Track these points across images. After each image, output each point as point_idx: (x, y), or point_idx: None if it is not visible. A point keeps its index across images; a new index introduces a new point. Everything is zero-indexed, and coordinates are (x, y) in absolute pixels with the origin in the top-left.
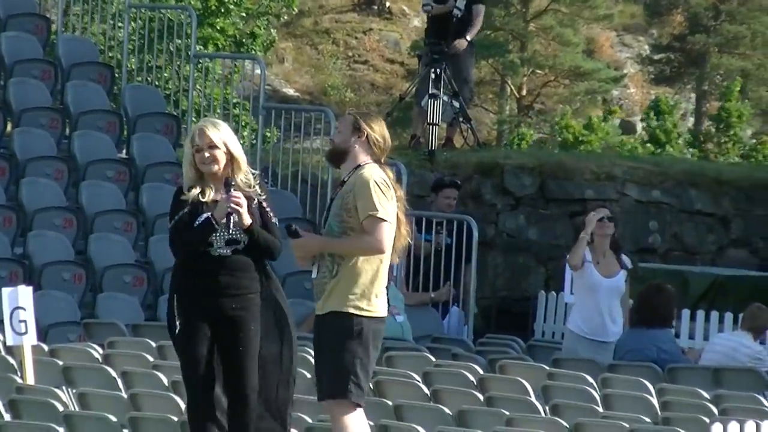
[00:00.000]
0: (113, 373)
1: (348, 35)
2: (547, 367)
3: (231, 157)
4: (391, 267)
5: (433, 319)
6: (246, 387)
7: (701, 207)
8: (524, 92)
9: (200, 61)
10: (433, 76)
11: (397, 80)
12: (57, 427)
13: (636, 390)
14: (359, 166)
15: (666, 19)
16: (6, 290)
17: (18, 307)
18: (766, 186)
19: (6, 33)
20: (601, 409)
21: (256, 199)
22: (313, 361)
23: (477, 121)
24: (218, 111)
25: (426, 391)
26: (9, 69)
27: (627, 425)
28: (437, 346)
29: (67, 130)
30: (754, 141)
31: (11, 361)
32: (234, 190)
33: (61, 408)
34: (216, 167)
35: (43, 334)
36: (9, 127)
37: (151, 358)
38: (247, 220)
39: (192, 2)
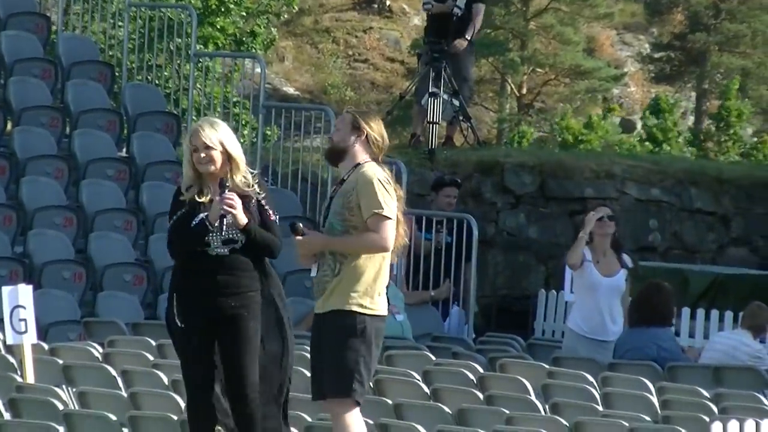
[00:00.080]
0: (113, 372)
1: (348, 34)
2: (547, 366)
3: (229, 157)
4: (390, 266)
5: (433, 317)
6: (246, 386)
7: (701, 205)
8: (524, 91)
9: (200, 59)
10: (433, 74)
11: (398, 79)
12: (57, 426)
13: (636, 389)
14: (359, 164)
15: (666, 17)
16: (6, 289)
17: (18, 306)
18: (767, 185)
19: (6, 32)
20: (601, 408)
21: (254, 198)
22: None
23: (477, 120)
24: (218, 110)
25: (426, 389)
26: (9, 68)
27: (627, 424)
28: (437, 345)
29: (68, 129)
30: (756, 140)
31: (11, 359)
32: (228, 191)
33: (61, 407)
34: (212, 167)
35: (43, 333)
36: (9, 126)
37: (151, 357)
38: (243, 220)
39: (192, 1)
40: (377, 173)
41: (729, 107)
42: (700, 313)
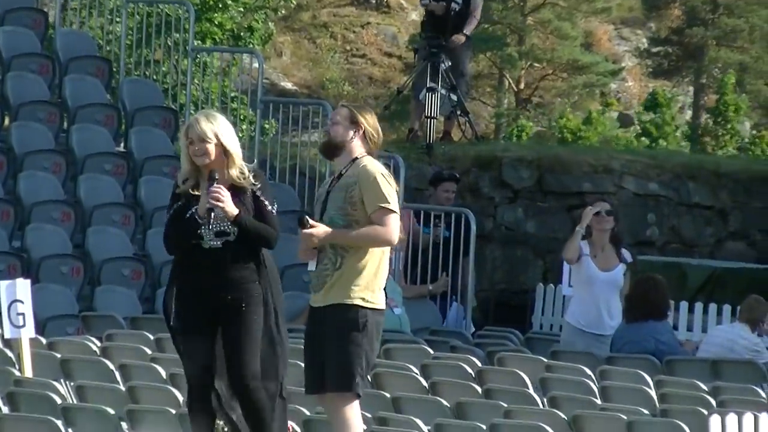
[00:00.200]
0: (111, 366)
1: (346, 29)
2: (546, 360)
3: (225, 150)
4: (389, 260)
5: (431, 311)
6: (247, 377)
7: (699, 200)
8: (522, 86)
9: (198, 55)
10: (430, 69)
11: (395, 74)
12: (55, 420)
13: (634, 382)
14: (356, 158)
15: (664, 12)
16: (4, 283)
17: (16, 300)
18: (764, 179)
19: (4, 27)
20: (599, 401)
21: (249, 190)
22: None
23: (475, 115)
24: (216, 105)
25: (424, 383)
26: (7, 63)
27: (625, 417)
28: (435, 339)
29: (65, 124)
30: (754, 133)
31: (9, 354)
32: (216, 183)
33: (59, 401)
34: (207, 160)
35: (41, 327)
36: (7, 121)
37: (149, 351)
38: (233, 212)
39: None
40: (379, 167)
41: (726, 102)
42: (698, 307)
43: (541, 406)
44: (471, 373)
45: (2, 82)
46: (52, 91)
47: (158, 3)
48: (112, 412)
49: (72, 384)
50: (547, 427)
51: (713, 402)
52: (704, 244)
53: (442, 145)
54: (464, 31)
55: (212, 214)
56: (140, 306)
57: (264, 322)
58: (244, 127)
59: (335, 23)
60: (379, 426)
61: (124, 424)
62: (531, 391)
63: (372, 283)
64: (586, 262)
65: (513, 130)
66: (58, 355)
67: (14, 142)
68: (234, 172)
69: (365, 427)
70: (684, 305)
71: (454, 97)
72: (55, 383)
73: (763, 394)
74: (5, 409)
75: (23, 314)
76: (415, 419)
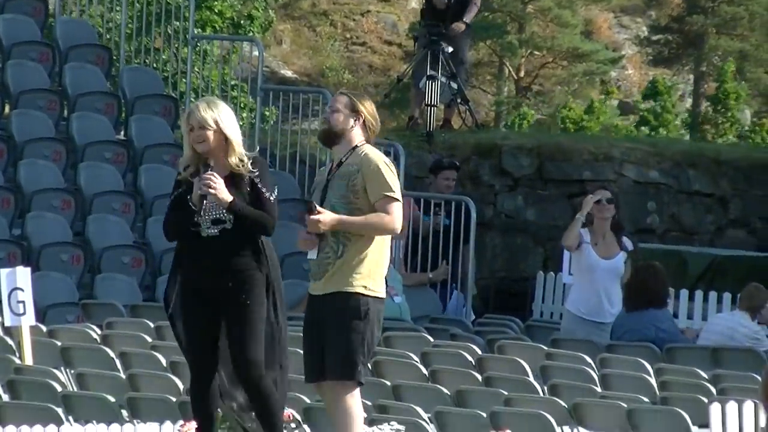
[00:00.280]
0: (111, 354)
1: (346, 17)
2: (546, 348)
3: (225, 138)
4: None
5: (431, 299)
6: (251, 365)
7: (699, 187)
8: (522, 74)
9: (198, 43)
10: (430, 57)
11: (395, 62)
12: (55, 408)
13: (634, 370)
14: (356, 147)
15: (664, 0)
16: (4, 271)
17: (16, 288)
18: (765, 166)
19: (4, 15)
20: (599, 389)
21: (247, 177)
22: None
23: (475, 103)
24: (216, 93)
25: (424, 371)
26: (7, 51)
27: (625, 405)
28: (435, 327)
29: (65, 112)
30: (755, 120)
31: (10, 341)
32: (210, 171)
33: (59, 389)
34: (206, 147)
35: (41, 315)
36: (7, 109)
37: (149, 339)
38: (226, 198)
39: None
40: (381, 156)
41: (726, 90)
42: (699, 294)
43: (541, 394)
44: (471, 361)
45: (2, 70)
46: (53, 79)
47: None
48: (112, 399)
49: (72, 372)
50: (547, 415)
51: (713, 390)
52: (704, 232)
53: (442, 133)
54: (464, 19)
55: (204, 201)
56: (140, 294)
57: (265, 310)
58: (244, 114)
59: (335, 11)
60: (379, 414)
61: (124, 412)
62: (531, 379)
63: (374, 272)
64: (586, 249)
65: (515, 119)
66: (59, 343)
67: (14, 130)
68: (233, 160)
69: (365, 415)
70: (684, 293)
71: (454, 85)
72: (55, 371)
73: None
74: (6, 397)
75: (23, 302)
76: (415, 407)
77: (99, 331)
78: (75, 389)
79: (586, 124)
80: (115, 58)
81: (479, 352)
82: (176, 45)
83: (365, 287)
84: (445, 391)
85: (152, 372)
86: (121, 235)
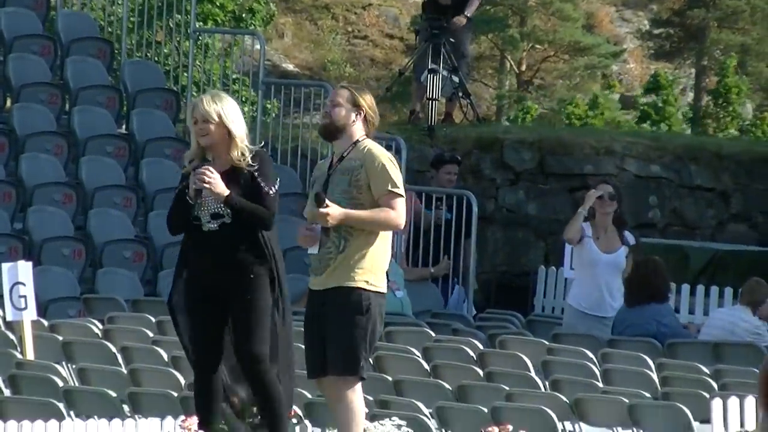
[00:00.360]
0: (113, 349)
1: (347, 10)
2: (547, 343)
3: (228, 132)
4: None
5: (432, 294)
6: (255, 360)
7: (701, 182)
8: (524, 67)
9: (200, 36)
10: (432, 51)
11: (397, 55)
12: (57, 403)
13: (636, 365)
14: (357, 141)
15: None
16: (6, 266)
17: (18, 283)
18: (766, 160)
19: (5, 8)
20: (601, 384)
21: (246, 170)
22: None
23: (476, 97)
24: (218, 86)
25: (426, 366)
26: (8, 44)
27: (627, 400)
28: (437, 322)
29: (67, 106)
30: (757, 114)
31: (11, 336)
32: (205, 165)
33: (60, 383)
34: (209, 140)
35: (42, 310)
36: (8, 103)
37: (150, 334)
38: (222, 192)
39: None
40: (384, 151)
41: (727, 84)
42: (700, 289)
43: (542, 389)
44: (472, 356)
45: (4, 63)
46: (54, 73)
47: None
48: (113, 394)
49: (73, 366)
50: (549, 410)
51: (715, 385)
52: (706, 227)
53: (443, 127)
54: (465, 13)
55: (201, 196)
56: (142, 288)
57: (269, 305)
58: (246, 108)
59: (337, 4)
60: (380, 409)
61: (125, 407)
62: (532, 374)
63: (375, 266)
64: (588, 244)
65: (519, 113)
66: (60, 338)
67: (16, 123)
68: (235, 154)
69: (367, 410)
70: (686, 288)
71: (455, 79)
72: (56, 366)
73: None
74: (7, 392)
75: (25, 296)
76: (416, 402)
77: (100, 326)
78: (76, 384)
79: (591, 120)
80: (116, 51)
81: (481, 347)
82: (178, 38)
83: (367, 282)
84: (447, 386)
85: (154, 367)
86: (123, 229)
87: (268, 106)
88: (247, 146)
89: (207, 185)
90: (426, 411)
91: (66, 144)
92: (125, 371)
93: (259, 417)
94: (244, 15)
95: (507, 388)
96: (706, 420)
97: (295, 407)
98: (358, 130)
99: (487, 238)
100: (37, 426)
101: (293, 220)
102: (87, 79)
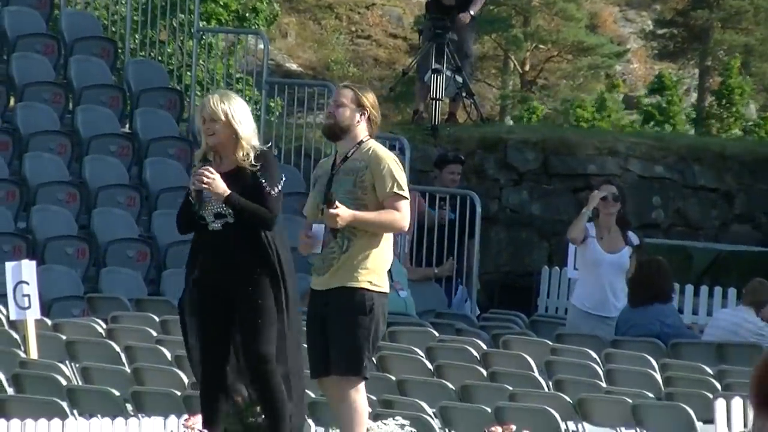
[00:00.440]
0: (116, 348)
1: (351, 10)
2: (551, 343)
3: (234, 132)
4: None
5: (436, 294)
6: (259, 360)
7: (704, 182)
8: (527, 67)
9: (203, 36)
10: (435, 51)
11: (400, 55)
12: (60, 402)
13: (639, 365)
14: (361, 142)
15: None
16: (9, 264)
17: (21, 282)
18: None
19: (9, 7)
20: (604, 385)
21: (249, 171)
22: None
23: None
24: (221, 86)
25: (429, 366)
26: (12, 43)
27: (630, 400)
28: (441, 322)
29: (71, 105)
30: (761, 114)
31: (14, 335)
32: (204, 165)
33: (64, 382)
34: (216, 140)
35: (46, 309)
36: (12, 102)
37: (154, 333)
38: (221, 192)
39: None
40: (389, 153)
41: (730, 85)
42: (704, 290)
43: (546, 389)
44: (476, 356)
45: (7, 62)
46: (58, 72)
47: None
48: (117, 393)
49: (77, 366)
50: (552, 411)
51: (718, 385)
52: (709, 227)
53: (447, 127)
54: (470, 11)
55: (202, 195)
56: (145, 288)
57: (274, 305)
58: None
59: (340, 4)
60: (384, 408)
61: (129, 406)
62: (536, 374)
63: (378, 267)
64: (591, 244)
65: (525, 113)
66: (64, 337)
67: (19, 122)
68: (240, 154)
69: (370, 410)
70: (689, 288)
71: (459, 79)
72: (60, 365)
73: None
74: (11, 391)
75: (28, 296)
76: (420, 402)
77: (104, 325)
78: (80, 383)
79: (598, 123)
80: (120, 50)
81: (484, 347)
82: (181, 38)
83: (370, 282)
84: (450, 386)
85: (157, 366)
86: (126, 228)
87: (272, 105)
88: (254, 146)
89: (205, 186)
90: (429, 411)
91: (69, 143)
92: (128, 370)
93: (262, 417)
94: (247, 14)
95: (510, 388)
96: (709, 420)
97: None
98: (362, 130)
99: (490, 238)
100: (40, 425)
101: (297, 219)
102: (90, 78)
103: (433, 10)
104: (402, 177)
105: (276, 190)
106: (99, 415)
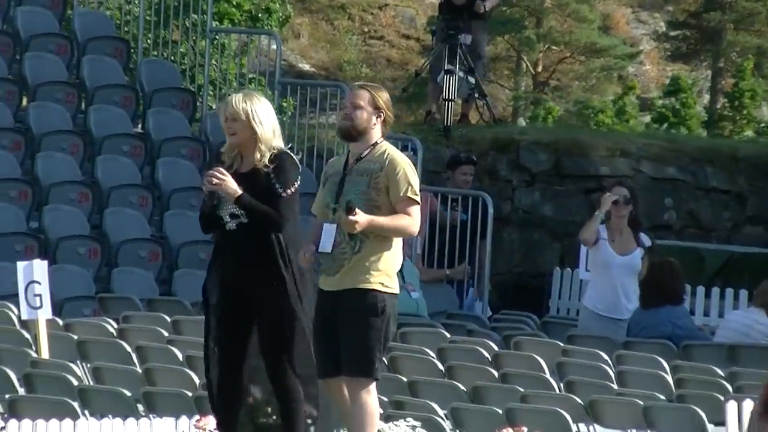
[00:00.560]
0: (128, 348)
1: (364, 11)
2: (562, 344)
3: (254, 132)
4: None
5: (448, 295)
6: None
7: (717, 184)
8: (540, 68)
9: (216, 36)
10: (448, 51)
11: (413, 56)
12: (71, 402)
13: (650, 367)
14: (376, 143)
15: None
16: (21, 264)
17: (33, 281)
18: None
19: (22, 7)
20: (615, 386)
21: (264, 172)
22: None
23: (492, 98)
24: (234, 86)
25: (440, 367)
26: (25, 43)
27: (641, 402)
28: (452, 323)
29: (83, 105)
30: None
31: (26, 335)
32: (215, 167)
33: (75, 382)
34: (236, 139)
35: (58, 309)
36: (25, 102)
37: (165, 333)
38: (232, 193)
39: None
40: (404, 157)
41: (741, 88)
42: (715, 291)
43: (557, 391)
44: (487, 357)
45: (20, 62)
46: (70, 72)
47: None
48: (128, 393)
49: (88, 366)
50: (563, 412)
51: (730, 387)
52: (721, 229)
53: (459, 128)
54: (485, 4)
55: (215, 196)
56: (157, 288)
57: (286, 306)
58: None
59: (353, 5)
60: (395, 410)
61: (140, 406)
62: (547, 375)
63: (389, 268)
64: (603, 246)
65: (540, 113)
66: (75, 337)
67: (32, 122)
68: (257, 155)
69: (381, 411)
70: (701, 290)
71: (471, 80)
72: (71, 365)
73: None
74: (22, 391)
75: (40, 295)
76: (431, 403)
77: (115, 325)
78: (91, 383)
79: (617, 128)
80: (132, 50)
81: (495, 348)
82: (194, 38)
83: (382, 284)
84: (461, 387)
85: (168, 366)
86: (139, 228)
87: (284, 106)
88: (273, 147)
89: (216, 187)
90: (440, 412)
91: (82, 143)
92: (140, 371)
93: (273, 417)
94: (260, 15)
95: (522, 390)
96: (720, 422)
97: (309, 407)
98: (377, 132)
99: (502, 239)
100: (51, 425)
101: (308, 219)
102: (103, 78)
103: (445, 11)
104: (416, 182)
105: (289, 192)
106: (110, 416)
